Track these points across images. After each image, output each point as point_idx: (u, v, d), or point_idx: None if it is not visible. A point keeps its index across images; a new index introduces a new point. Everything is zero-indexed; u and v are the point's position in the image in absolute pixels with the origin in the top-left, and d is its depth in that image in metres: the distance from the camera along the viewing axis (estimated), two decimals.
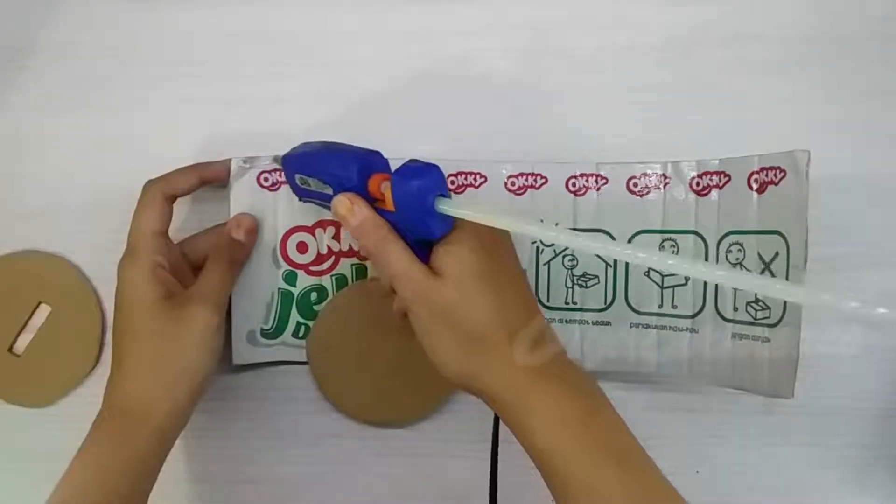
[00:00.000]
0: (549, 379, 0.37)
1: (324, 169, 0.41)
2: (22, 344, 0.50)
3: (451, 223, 0.38)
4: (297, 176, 0.43)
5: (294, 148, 0.44)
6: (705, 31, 0.50)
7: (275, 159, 0.47)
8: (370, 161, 0.40)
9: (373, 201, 0.40)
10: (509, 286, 0.39)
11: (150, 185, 0.45)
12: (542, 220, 0.48)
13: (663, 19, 0.50)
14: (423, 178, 0.37)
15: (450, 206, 0.37)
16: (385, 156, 0.41)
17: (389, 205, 0.38)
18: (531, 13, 0.51)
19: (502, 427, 0.40)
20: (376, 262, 0.40)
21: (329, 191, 0.41)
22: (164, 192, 0.45)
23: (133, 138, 0.51)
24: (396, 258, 0.38)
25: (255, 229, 0.48)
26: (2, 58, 0.52)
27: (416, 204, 0.37)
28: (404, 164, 0.38)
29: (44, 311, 0.50)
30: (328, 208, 0.41)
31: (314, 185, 0.42)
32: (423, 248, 0.39)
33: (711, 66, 0.50)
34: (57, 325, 0.50)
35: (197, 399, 0.43)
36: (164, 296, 0.42)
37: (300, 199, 0.45)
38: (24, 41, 0.52)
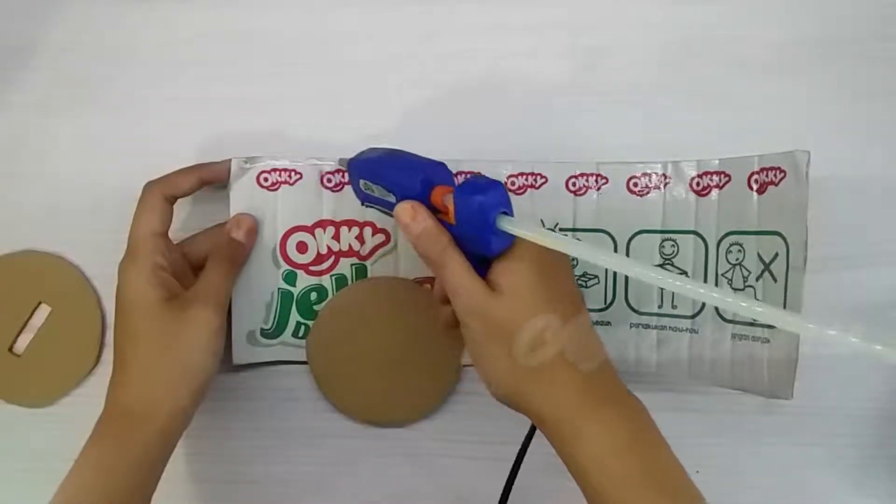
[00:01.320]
0: (599, 402, 0.37)
1: (388, 177, 0.41)
2: (22, 344, 0.50)
3: (511, 240, 0.38)
4: (362, 181, 0.43)
5: (360, 153, 0.44)
6: (705, 31, 0.50)
7: (340, 162, 0.47)
8: (434, 172, 0.40)
9: (435, 212, 0.40)
10: (566, 307, 0.39)
11: (150, 186, 0.45)
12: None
13: (663, 19, 0.50)
14: (486, 195, 0.37)
15: (512, 226, 0.37)
16: None
17: (451, 217, 0.38)
18: (531, 13, 0.51)
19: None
20: (435, 272, 0.40)
21: (392, 199, 0.41)
22: (165, 192, 0.45)
23: (133, 138, 0.51)
24: (455, 270, 0.38)
25: (254, 229, 0.48)
26: (2, 58, 0.52)
27: (478, 219, 0.37)
28: (468, 179, 0.38)
29: (44, 311, 0.50)
30: (390, 215, 0.41)
31: (378, 191, 0.42)
32: (480, 262, 0.39)
33: (711, 66, 0.50)
34: (57, 325, 0.50)
35: (199, 400, 0.43)
36: (165, 297, 0.42)
37: (362, 204, 0.45)
38: (24, 41, 0.52)
